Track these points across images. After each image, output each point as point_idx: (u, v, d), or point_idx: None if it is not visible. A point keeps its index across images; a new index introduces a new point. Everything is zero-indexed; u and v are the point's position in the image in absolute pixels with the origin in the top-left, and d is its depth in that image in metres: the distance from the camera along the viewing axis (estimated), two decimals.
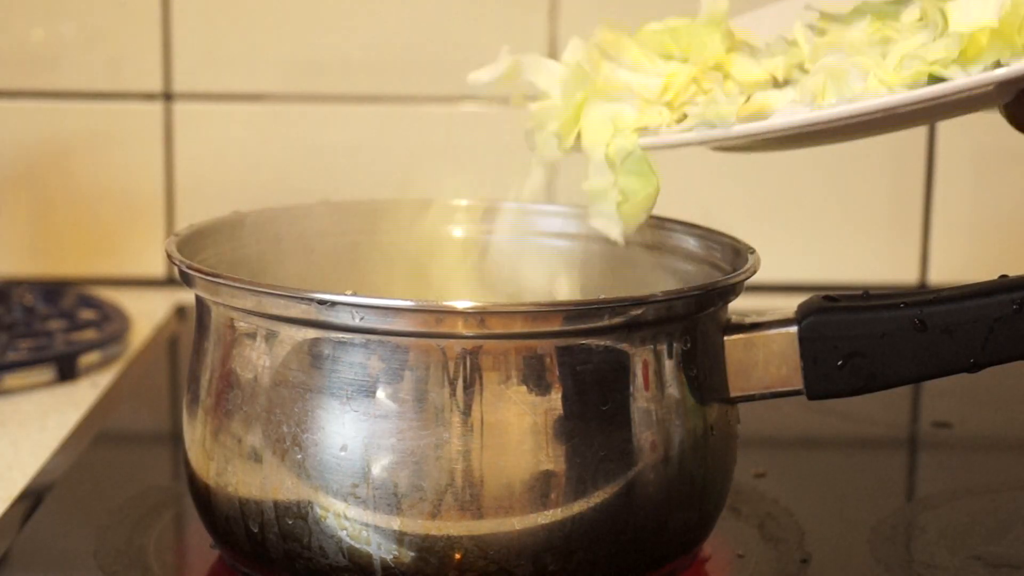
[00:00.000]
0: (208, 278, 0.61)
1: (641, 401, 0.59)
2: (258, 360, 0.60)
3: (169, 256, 0.63)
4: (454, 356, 0.57)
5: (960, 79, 0.59)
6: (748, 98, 0.62)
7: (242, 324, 0.61)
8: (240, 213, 0.72)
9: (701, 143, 0.63)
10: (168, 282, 1.14)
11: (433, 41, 1.12)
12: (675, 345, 0.61)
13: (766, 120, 0.61)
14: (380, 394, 0.58)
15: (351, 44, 1.12)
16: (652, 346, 0.60)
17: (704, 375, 0.62)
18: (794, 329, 0.62)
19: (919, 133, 1.14)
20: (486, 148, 1.14)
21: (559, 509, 0.58)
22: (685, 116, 0.64)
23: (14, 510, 0.70)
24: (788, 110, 0.62)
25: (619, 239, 0.65)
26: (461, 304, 0.57)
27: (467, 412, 0.57)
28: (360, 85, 1.13)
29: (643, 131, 0.64)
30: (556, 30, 1.12)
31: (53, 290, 1.07)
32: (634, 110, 0.63)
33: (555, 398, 0.58)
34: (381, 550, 0.58)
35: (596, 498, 0.58)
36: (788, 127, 0.60)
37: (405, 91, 1.13)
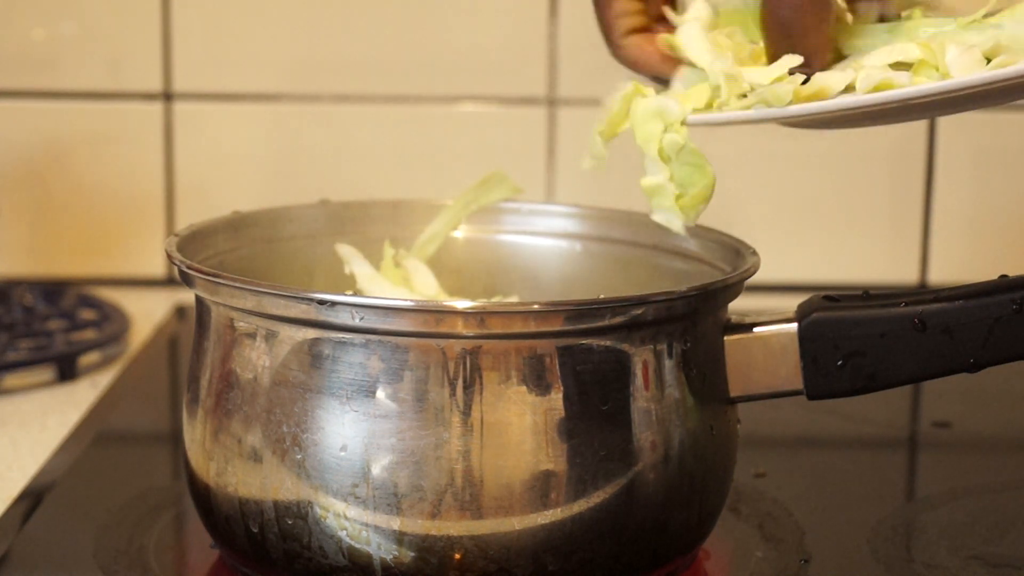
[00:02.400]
0: (208, 278, 0.61)
1: (641, 401, 0.59)
2: (258, 360, 0.60)
3: (169, 256, 0.63)
4: (454, 356, 0.57)
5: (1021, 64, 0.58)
6: (807, 79, 0.62)
7: (242, 324, 0.61)
8: (240, 213, 0.72)
9: (758, 121, 0.63)
10: (168, 282, 1.14)
11: (433, 41, 1.12)
12: (675, 345, 0.60)
13: (822, 101, 0.61)
14: (380, 394, 0.58)
15: (351, 44, 1.12)
16: (652, 346, 0.60)
17: (704, 375, 0.62)
18: (794, 329, 0.62)
19: (919, 133, 1.14)
20: (486, 148, 1.15)
21: (559, 509, 0.58)
22: (750, 90, 0.64)
23: (14, 510, 0.70)
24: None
25: (681, 231, 0.65)
26: (461, 304, 0.57)
27: (467, 412, 0.57)
28: (360, 85, 1.13)
29: (698, 111, 0.64)
30: (556, 31, 1.12)
31: (53, 290, 1.07)
32: (676, 103, 0.64)
33: (555, 398, 0.58)
34: (381, 550, 0.58)
35: (596, 498, 0.58)
36: (841, 108, 0.61)
37: (405, 91, 1.13)
